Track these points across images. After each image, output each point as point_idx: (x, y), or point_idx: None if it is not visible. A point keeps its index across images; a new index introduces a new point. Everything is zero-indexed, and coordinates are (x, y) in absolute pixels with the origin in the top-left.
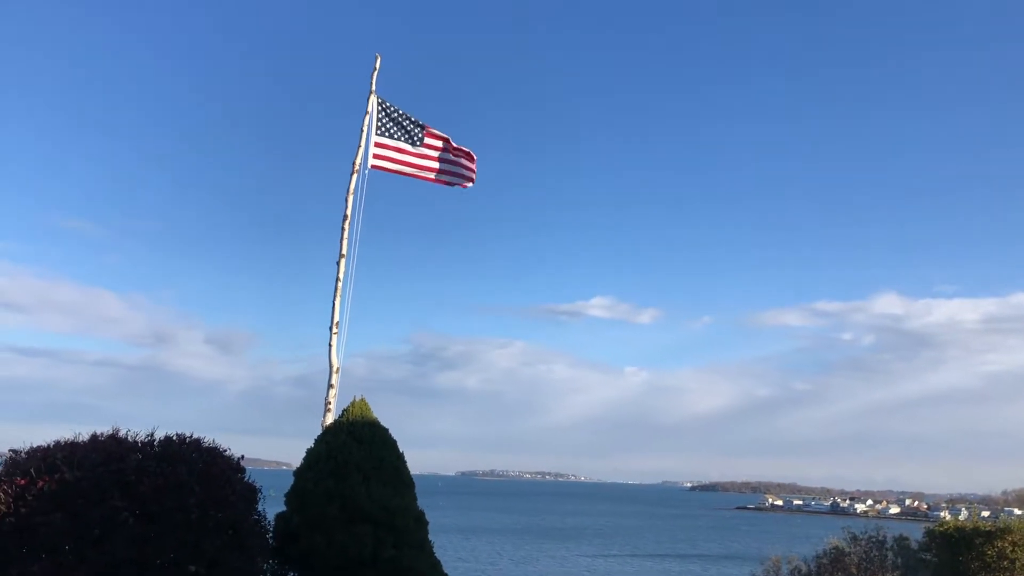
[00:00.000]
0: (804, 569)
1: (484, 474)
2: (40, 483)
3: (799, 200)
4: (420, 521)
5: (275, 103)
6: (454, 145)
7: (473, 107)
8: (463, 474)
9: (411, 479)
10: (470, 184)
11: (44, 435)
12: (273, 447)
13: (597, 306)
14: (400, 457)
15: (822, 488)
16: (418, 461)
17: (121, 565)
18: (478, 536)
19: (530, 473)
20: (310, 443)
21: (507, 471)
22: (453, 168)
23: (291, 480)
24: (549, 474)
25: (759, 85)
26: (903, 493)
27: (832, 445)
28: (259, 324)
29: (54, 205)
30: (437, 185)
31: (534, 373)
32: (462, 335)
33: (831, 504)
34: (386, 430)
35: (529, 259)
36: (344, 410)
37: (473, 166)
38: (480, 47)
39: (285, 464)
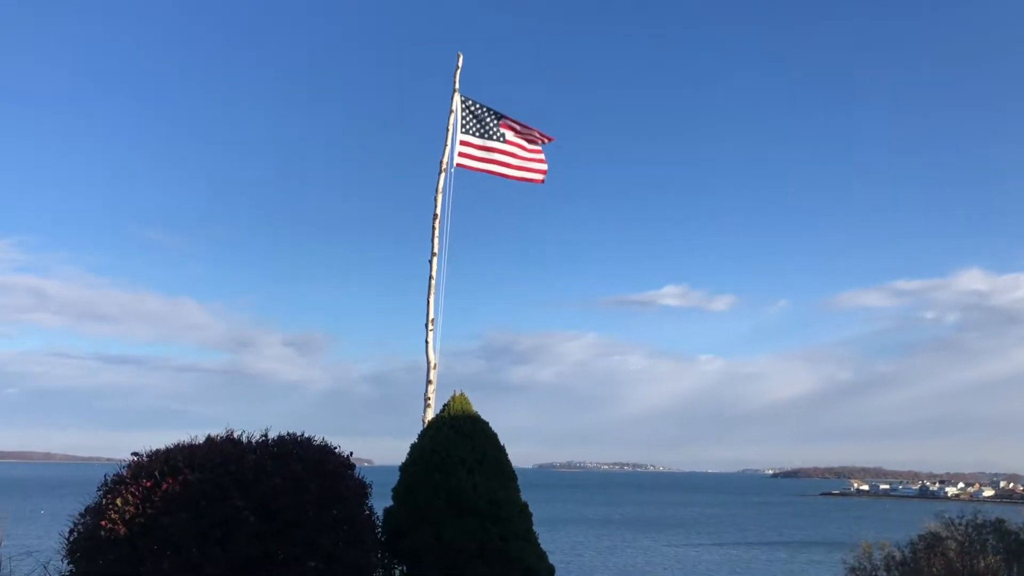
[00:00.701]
0: (898, 556)
1: (561, 466)
2: (165, 485)
3: (872, 176)
4: (524, 513)
5: (353, 107)
6: (524, 131)
7: (540, 96)
8: (540, 467)
9: (513, 471)
10: (542, 177)
11: (134, 441)
12: (352, 445)
13: (669, 295)
14: (502, 450)
15: (909, 472)
16: None
17: (245, 562)
18: (559, 528)
19: (607, 464)
20: (388, 440)
21: (584, 463)
22: (527, 163)
23: (373, 477)
24: (627, 465)
25: (837, 69)
26: (996, 475)
27: (918, 428)
28: (335, 325)
29: (135, 218)
30: (510, 181)
31: (608, 364)
32: (532, 329)
33: (920, 488)
34: (486, 423)
35: (597, 250)
36: (445, 405)
37: (542, 156)
38: (552, 33)
39: (365, 461)
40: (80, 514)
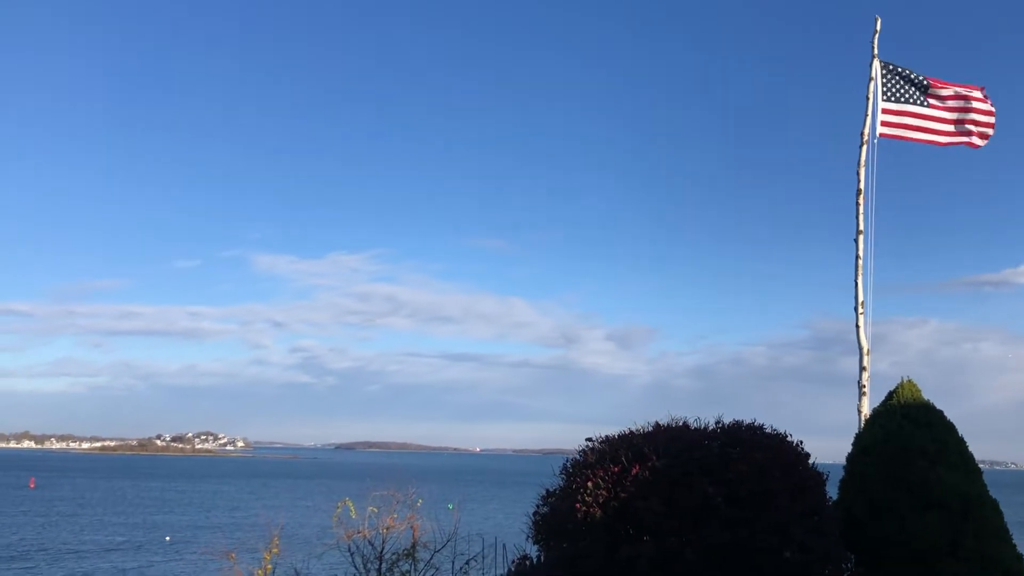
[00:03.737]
0: None
1: None
2: (634, 470)
3: None
4: (996, 509)
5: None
6: (963, 93)
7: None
8: None
9: (977, 465)
10: (983, 141)
11: (478, 431)
12: None
13: None
14: (962, 441)
15: None
16: (831, 450)
17: (719, 548)
18: None
19: None
20: None
21: None
22: (961, 126)
23: None
24: (983, 462)
25: None
26: None
27: None
28: (656, 319)
29: (471, 228)
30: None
31: (956, 353)
32: (868, 316)
33: None
34: (942, 412)
35: (938, 227)
36: (891, 392)
37: (989, 119)
38: None
39: None
40: (543, 497)
